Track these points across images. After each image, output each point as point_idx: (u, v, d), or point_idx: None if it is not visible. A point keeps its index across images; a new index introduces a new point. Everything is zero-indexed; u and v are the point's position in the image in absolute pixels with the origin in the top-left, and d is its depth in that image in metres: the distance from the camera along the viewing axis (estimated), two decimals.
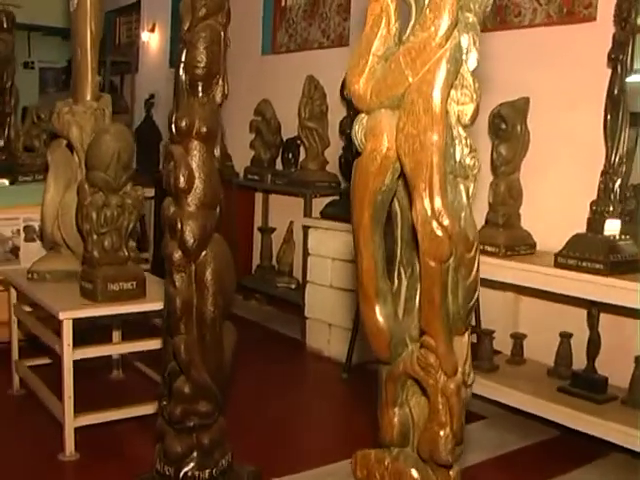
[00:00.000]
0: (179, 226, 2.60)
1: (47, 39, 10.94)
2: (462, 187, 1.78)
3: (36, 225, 4.82)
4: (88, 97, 3.83)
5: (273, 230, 6.18)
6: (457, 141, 1.76)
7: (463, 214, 1.76)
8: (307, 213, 5.34)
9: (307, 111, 5.43)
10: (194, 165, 2.61)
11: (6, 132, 4.81)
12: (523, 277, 3.77)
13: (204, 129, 2.60)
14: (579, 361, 3.84)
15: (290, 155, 5.83)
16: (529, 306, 4.31)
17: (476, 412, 4.08)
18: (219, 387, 2.78)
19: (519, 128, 3.90)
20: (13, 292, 4.02)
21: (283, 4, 6.45)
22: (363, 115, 1.83)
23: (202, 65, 2.58)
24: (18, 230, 4.78)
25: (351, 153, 5.01)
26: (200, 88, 2.62)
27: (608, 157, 3.62)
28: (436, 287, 1.74)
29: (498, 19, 4.62)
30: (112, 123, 3.58)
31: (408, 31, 1.78)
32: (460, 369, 1.80)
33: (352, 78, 1.81)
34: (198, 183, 2.61)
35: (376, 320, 1.89)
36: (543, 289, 3.75)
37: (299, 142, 5.70)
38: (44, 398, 3.72)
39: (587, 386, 3.66)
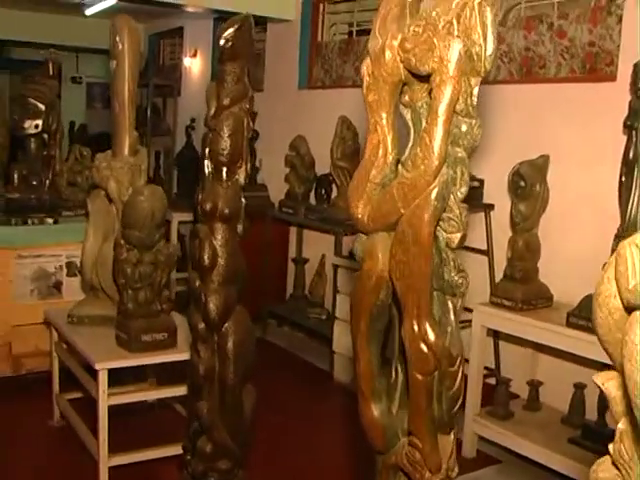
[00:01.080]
0: (203, 300, 2.81)
1: (95, 55, 11.24)
2: (450, 304, 1.96)
3: (78, 261, 5.07)
4: (126, 152, 4.06)
5: (306, 261, 6.38)
6: (445, 262, 1.94)
7: (449, 329, 1.94)
8: (337, 251, 5.52)
9: (339, 151, 5.61)
10: (218, 244, 2.81)
11: (51, 174, 5.06)
12: (537, 334, 3.92)
13: (227, 211, 2.80)
14: (593, 409, 3.97)
15: (323, 191, 6.02)
16: (546, 356, 4.46)
17: (492, 456, 4.24)
18: (239, 445, 2.99)
19: (538, 187, 4.04)
20: (54, 331, 4.27)
21: (319, 40, 6.64)
22: (362, 235, 2.00)
23: (226, 152, 2.78)
24: (61, 266, 5.04)
25: None
26: (224, 173, 2.82)
27: (622, 220, 3.74)
28: (421, 396, 1.92)
29: (524, 70, 4.77)
30: (146, 185, 3.80)
31: (406, 154, 1.96)
32: (444, 465, 1.98)
33: (352, 202, 1.99)
34: (221, 261, 2.81)
35: (372, 416, 2.07)
36: (556, 347, 3.90)
37: (332, 178, 5.88)
38: (81, 433, 3.96)
39: (597, 438, 3.79)
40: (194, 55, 8.56)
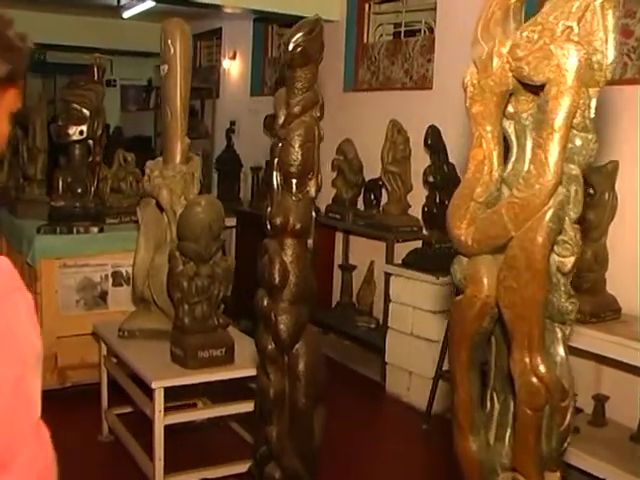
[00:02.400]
0: (273, 320, 2.67)
1: (128, 58, 11.16)
2: (559, 332, 1.80)
3: (123, 270, 4.96)
4: (177, 160, 3.93)
5: (354, 268, 6.23)
6: (556, 288, 1.78)
7: (559, 360, 1.78)
8: (389, 259, 5.37)
9: (390, 156, 5.45)
10: (288, 261, 2.67)
11: (96, 181, 4.94)
12: (606, 347, 3.74)
13: (298, 226, 2.66)
14: None
15: (372, 196, 5.86)
16: (611, 370, 4.28)
17: None
18: (309, 470, 2.85)
19: (607, 195, 3.86)
20: (103, 345, 4.15)
21: (365, 41, 6.49)
22: (462, 258, 1.85)
23: (297, 163, 2.64)
24: (106, 275, 4.92)
25: (435, 203, 5.03)
26: (294, 185, 2.68)
27: None
28: (530, 433, 1.76)
29: None
30: (203, 195, 3.66)
31: (508, 169, 1.81)
32: None
33: (454, 222, 1.84)
34: (292, 278, 2.67)
35: (469, 450, 1.92)
36: (622, 360, 3.73)
37: (381, 183, 5.73)
38: (132, 449, 3.84)
39: None
40: (233, 57, 8.42)
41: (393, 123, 5.48)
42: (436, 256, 5.01)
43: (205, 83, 8.68)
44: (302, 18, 6.43)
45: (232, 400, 3.69)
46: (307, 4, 6.43)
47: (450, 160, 5.01)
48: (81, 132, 4.88)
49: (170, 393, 3.47)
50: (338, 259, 6.55)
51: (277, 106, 2.72)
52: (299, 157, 2.63)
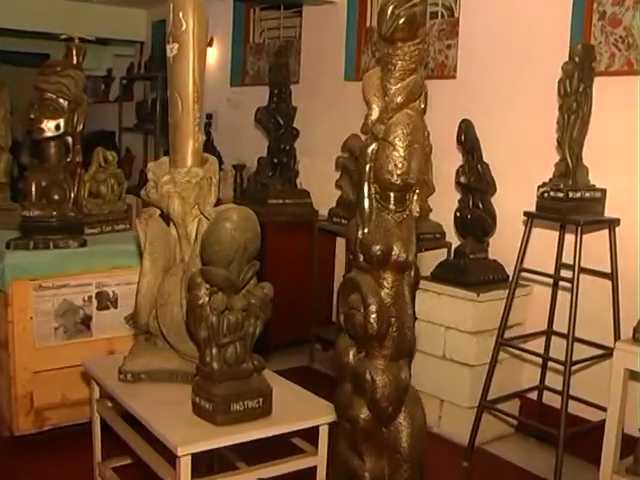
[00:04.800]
0: (369, 382, 1.97)
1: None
2: None
3: (110, 291, 4.21)
4: (189, 161, 3.20)
5: None
6: None
7: None
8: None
9: None
10: (388, 303, 1.98)
11: (76, 185, 4.16)
12: None
13: (403, 256, 1.97)
14: None
15: None
16: None
17: None
18: None
19: None
20: (95, 387, 3.39)
21: (368, 24, 5.79)
22: None
23: (401, 172, 1.95)
24: (90, 297, 4.15)
25: (468, 208, 4.38)
26: (393, 201, 1.99)
27: None
28: None
29: None
30: (233, 207, 2.91)
31: None
32: None
33: None
34: (394, 327, 1.98)
35: None
36: None
37: None
38: None
39: None
40: (210, 44, 7.61)
41: None
42: (471, 268, 4.37)
43: None
44: None
45: (268, 458, 2.97)
46: None
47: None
48: (57, 127, 4.10)
49: None
50: (340, 268, 5.85)
51: (368, 94, 2.02)
52: (404, 163, 1.94)
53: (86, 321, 4.17)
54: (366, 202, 2.00)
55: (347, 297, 2.04)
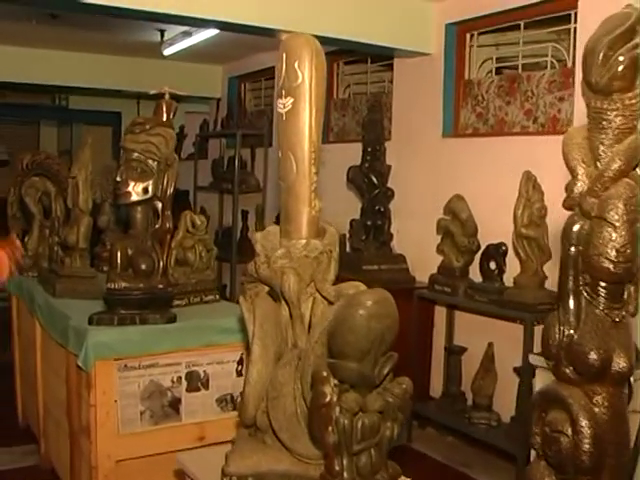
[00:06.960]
0: None
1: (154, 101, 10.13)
2: None
3: (201, 371, 3.82)
4: (304, 232, 2.79)
5: (464, 351, 5.08)
6: None
7: None
8: (528, 345, 4.23)
9: (525, 216, 4.35)
10: (602, 426, 1.54)
11: (166, 254, 3.79)
12: None
13: (624, 366, 1.53)
14: None
15: (494, 265, 4.73)
16: None
17: None
18: None
19: None
20: None
21: (466, 77, 5.41)
22: None
23: (621, 259, 1.51)
24: (179, 378, 3.76)
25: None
26: (610, 295, 1.56)
27: None
28: None
29: None
30: (369, 291, 2.50)
31: None
32: None
33: None
34: (612, 457, 1.54)
35: None
36: None
37: (504, 249, 4.62)
38: None
39: None
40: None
41: (528, 176, 4.39)
42: None
43: (255, 130, 7.56)
44: (384, 49, 5.37)
45: None
46: (393, 34, 5.37)
47: None
48: (145, 190, 3.75)
49: None
50: (438, 339, 5.40)
51: (571, 157, 1.60)
52: (626, 248, 1.51)
53: (175, 404, 3.76)
54: (572, 296, 1.57)
55: (544, 414, 1.60)
